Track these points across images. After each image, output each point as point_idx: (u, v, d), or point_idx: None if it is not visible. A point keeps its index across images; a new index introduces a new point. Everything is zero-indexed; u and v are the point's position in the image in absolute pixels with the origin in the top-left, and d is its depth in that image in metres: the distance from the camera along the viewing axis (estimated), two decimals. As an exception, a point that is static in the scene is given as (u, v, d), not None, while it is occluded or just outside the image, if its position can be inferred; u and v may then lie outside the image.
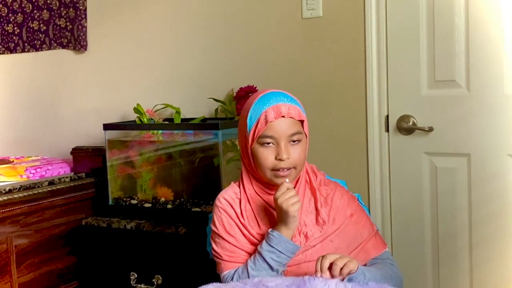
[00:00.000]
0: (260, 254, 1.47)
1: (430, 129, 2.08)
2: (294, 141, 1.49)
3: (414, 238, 2.15)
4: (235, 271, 1.51)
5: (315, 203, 1.55)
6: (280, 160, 1.47)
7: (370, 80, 2.15)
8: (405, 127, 2.13)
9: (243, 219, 1.54)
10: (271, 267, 1.46)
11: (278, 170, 1.49)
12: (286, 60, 2.31)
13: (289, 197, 1.44)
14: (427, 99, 2.09)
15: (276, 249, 1.45)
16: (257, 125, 1.49)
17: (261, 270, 1.46)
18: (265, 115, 1.48)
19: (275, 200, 1.45)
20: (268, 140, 1.48)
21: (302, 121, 1.52)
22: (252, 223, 1.55)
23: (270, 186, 1.54)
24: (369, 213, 1.70)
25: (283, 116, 1.48)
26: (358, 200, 1.65)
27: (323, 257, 1.36)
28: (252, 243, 1.53)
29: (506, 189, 1.98)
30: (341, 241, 1.52)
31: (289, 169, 1.49)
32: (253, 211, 1.56)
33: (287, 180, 1.48)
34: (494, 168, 2.00)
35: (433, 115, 2.08)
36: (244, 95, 2.26)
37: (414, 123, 2.11)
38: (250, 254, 1.52)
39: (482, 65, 1.98)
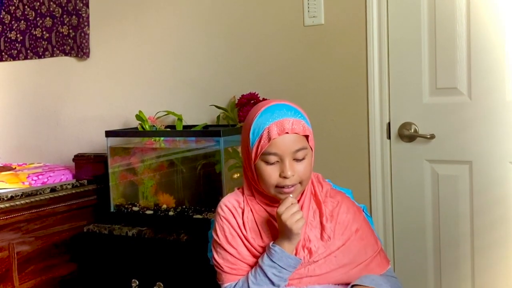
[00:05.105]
0: (261, 268, 1.45)
1: (432, 137, 2.08)
2: (299, 160, 1.44)
3: (416, 245, 2.15)
4: (236, 284, 1.49)
5: (320, 217, 1.52)
6: (285, 177, 1.43)
7: (372, 88, 2.15)
8: (407, 134, 2.12)
9: (245, 231, 1.51)
10: (272, 282, 1.44)
11: (282, 187, 1.44)
12: (288, 67, 2.32)
13: (293, 214, 1.40)
14: (428, 107, 2.09)
15: (278, 264, 1.43)
16: (260, 141, 1.43)
17: (262, 284, 1.44)
18: (268, 132, 1.41)
19: (278, 215, 1.42)
20: (272, 157, 1.43)
21: (307, 135, 1.46)
22: (254, 235, 1.51)
23: (273, 199, 1.50)
24: (372, 223, 1.69)
25: (287, 133, 1.42)
26: (363, 212, 1.63)
27: None
28: (254, 255, 1.50)
29: (508, 196, 1.98)
30: (345, 257, 1.50)
31: (294, 185, 1.45)
32: (255, 222, 1.52)
33: (291, 195, 1.44)
34: (496, 175, 1.99)
35: (434, 123, 2.08)
36: (246, 102, 2.26)
37: (415, 131, 2.11)
38: (251, 266, 1.50)
39: (483, 73, 1.99)
